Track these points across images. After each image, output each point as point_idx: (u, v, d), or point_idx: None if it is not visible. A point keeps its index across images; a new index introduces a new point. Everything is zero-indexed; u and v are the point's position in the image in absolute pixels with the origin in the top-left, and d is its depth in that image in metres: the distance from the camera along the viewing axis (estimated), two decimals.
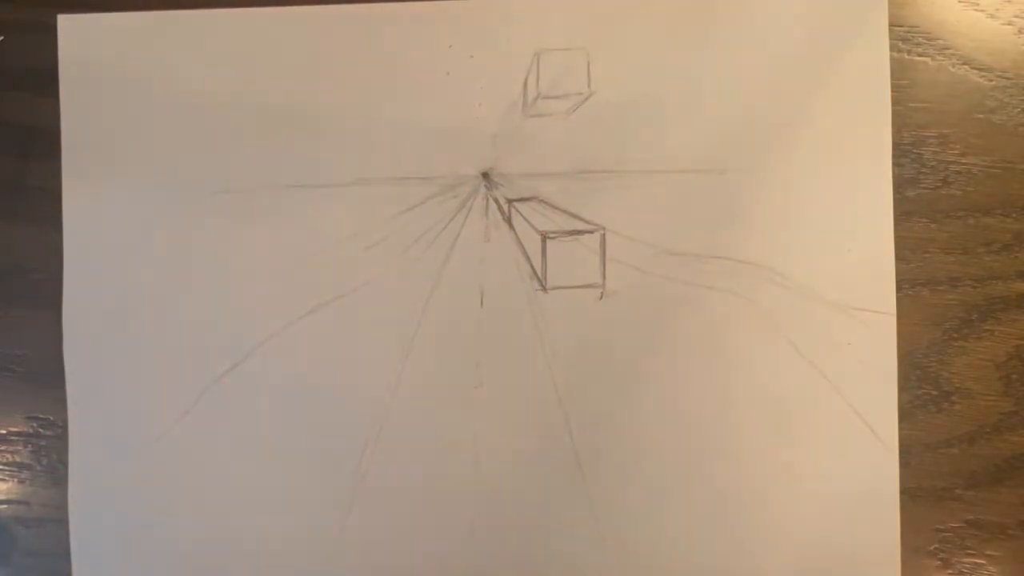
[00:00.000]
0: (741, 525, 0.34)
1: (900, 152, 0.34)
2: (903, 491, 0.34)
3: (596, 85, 0.34)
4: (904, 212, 0.34)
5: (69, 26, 0.35)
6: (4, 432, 0.36)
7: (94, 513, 0.35)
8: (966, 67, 0.34)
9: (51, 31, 0.35)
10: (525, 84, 0.34)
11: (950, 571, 0.34)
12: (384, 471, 0.34)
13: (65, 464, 0.35)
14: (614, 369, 0.34)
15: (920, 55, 0.34)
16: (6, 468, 0.36)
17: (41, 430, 0.35)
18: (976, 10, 0.34)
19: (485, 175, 0.35)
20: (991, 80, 0.34)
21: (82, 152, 0.35)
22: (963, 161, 0.34)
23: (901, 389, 0.34)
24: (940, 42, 0.34)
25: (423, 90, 0.35)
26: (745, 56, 0.34)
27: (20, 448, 0.36)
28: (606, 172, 0.34)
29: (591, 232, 0.34)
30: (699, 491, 0.34)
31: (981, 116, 0.34)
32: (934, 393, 0.34)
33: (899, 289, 0.34)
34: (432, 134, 0.35)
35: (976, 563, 0.34)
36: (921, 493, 0.34)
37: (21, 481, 0.36)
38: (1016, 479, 0.34)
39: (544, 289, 0.34)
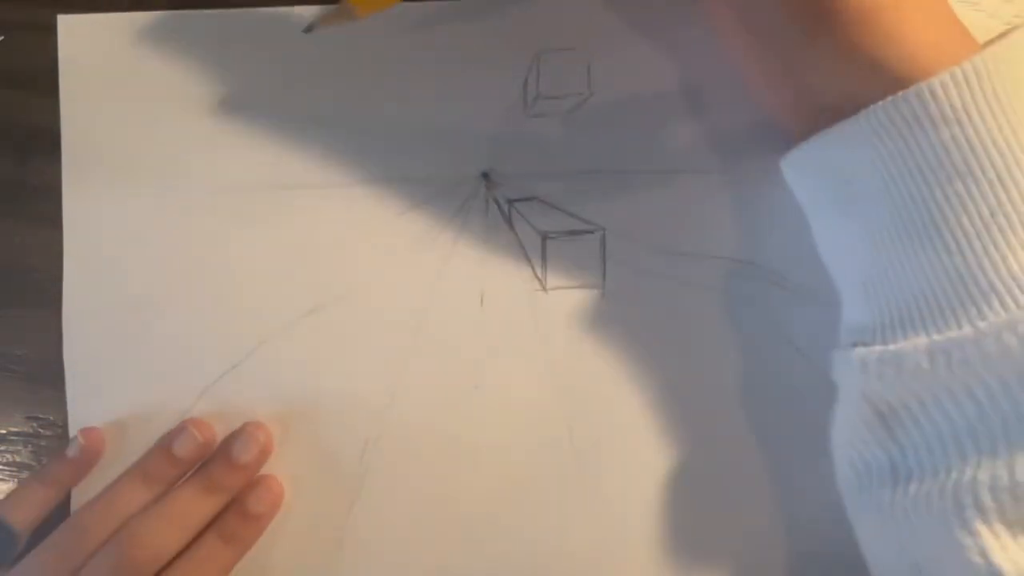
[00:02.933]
0: (741, 523, 0.34)
1: None
2: None
3: (596, 86, 0.34)
4: None
5: (69, 26, 0.35)
6: (4, 432, 0.36)
7: None
8: None
9: (51, 31, 0.35)
10: (525, 84, 0.34)
11: None
12: (384, 471, 0.34)
13: None
14: (614, 369, 0.34)
15: None
16: (6, 468, 0.36)
17: (41, 430, 0.35)
18: (976, 10, 0.34)
19: (485, 175, 0.35)
20: None
21: (82, 152, 0.35)
22: None
23: None
24: None
25: (423, 90, 0.35)
26: None
27: (20, 448, 0.36)
28: (606, 172, 0.34)
29: (591, 232, 0.34)
30: (700, 490, 0.34)
31: None
32: None
33: None
34: (432, 134, 0.35)
35: None
36: None
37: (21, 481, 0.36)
38: None
39: (544, 289, 0.34)
